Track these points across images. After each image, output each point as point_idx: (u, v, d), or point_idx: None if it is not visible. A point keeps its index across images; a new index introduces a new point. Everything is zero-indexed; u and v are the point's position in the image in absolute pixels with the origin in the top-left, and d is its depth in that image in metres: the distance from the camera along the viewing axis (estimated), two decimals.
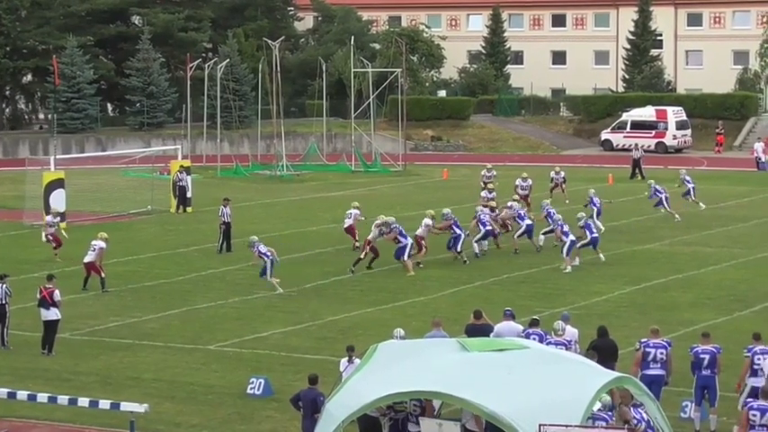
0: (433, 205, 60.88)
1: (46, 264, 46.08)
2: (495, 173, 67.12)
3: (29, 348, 35.46)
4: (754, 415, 24.05)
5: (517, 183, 62.93)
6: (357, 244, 50.72)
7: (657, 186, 59.49)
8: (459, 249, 48.33)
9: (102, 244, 44.44)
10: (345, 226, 52.07)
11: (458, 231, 48.38)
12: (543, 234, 50.66)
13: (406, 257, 46.73)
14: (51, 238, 50.93)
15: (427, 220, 48.42)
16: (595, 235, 48.00)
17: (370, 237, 47.47)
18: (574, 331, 30.07)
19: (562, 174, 66.32)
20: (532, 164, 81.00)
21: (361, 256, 47.11)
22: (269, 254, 43.44)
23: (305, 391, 25.45)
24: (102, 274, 43.78)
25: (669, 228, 56.10)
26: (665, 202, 58.88)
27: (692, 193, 62.43)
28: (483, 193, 59.29)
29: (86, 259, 44.09)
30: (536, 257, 49.06)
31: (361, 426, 24.92)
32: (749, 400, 24.72)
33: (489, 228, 49.67)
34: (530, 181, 63.01)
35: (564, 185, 65.85)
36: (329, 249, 52.12)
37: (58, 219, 53.46)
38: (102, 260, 44.17)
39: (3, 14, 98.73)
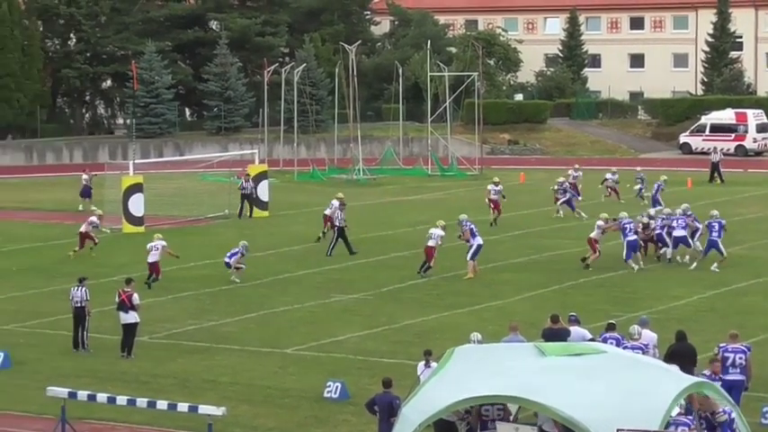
0: (511, 209, 61.02)
1: (124, 267, 46.36)
2: (581, 173, 67.90)
3: (108, 351, 35.72)
4: None
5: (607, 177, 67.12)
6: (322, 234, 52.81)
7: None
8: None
9: (164, 243, 45.45)
10: (325, 213, 54.52)
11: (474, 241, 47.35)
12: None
13: (470, 258, 46.79)
14: (83, 234, 51.93)
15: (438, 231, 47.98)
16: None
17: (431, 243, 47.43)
18: (652, 335, 29.94)
19: (616, 176, 67.11)
20: (611, 167, 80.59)
21: (431, 264, 46.99)
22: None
23: (380, 395, 25.45)
24: (159, 276, 44.27)
25: (749, 231, 55.69)
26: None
27: (641, 192, 65.57)
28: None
29: (150, 259, 44.51)
30: (614, 261, 48.76)
31: (437, 430, 24.90)
32: None
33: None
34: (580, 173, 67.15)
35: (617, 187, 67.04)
36: (405, 253, 52.07)
37: (99, 222, 54.20)
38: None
39: (83, 20, 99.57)
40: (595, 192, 67.15)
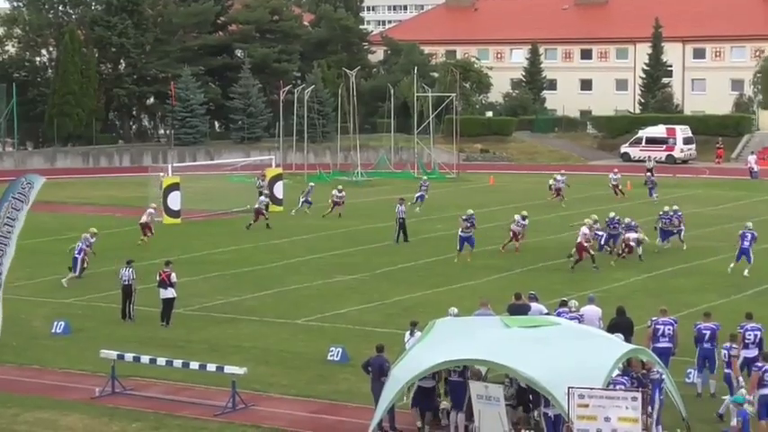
0: (483, 206, 61.04)
1: (164, 252, 46.32)
2: (565, 178, 67.74)
3: (150, 321, 35.75)
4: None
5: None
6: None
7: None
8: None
9: (91, 239, 44.42)
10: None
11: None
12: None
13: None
14: (144, 225, 52.27)
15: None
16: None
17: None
18: (597, 310, 30.02)
19: (564, 177, 67.04)
20: (566, 173, 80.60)
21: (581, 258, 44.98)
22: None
23: (374, 358, 25.48)
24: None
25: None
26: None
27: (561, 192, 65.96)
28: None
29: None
30: (568, 249, 48.76)
31: (415, 395, 24.87)
32: (758, 364, 24.46)
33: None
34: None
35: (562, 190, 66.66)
36: (396, 242, 52.12)
37: (155, 212, 54.54)
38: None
39: (131, 49, 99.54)
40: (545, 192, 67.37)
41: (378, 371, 25.00)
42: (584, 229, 45.38)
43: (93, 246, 44.26)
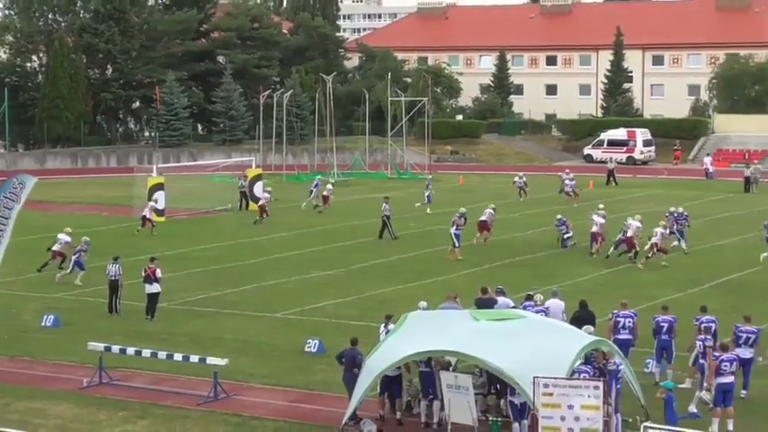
0: (453, 204, 61.04)
1: (149, 248, 46.17)
2: (525, 179, 68.11)
3: (136, 315, 35.61)
4: (725, 365, 24.00)
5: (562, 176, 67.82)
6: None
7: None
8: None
9: (68, 239, 44.01)
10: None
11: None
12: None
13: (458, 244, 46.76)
14: (145, 218, 53.82)
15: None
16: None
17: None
18: (561, 303, 30.03)
19: (524, 179, 67.47)
20: (530, 172, 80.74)
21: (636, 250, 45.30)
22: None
23: (348, 350, 25.43)
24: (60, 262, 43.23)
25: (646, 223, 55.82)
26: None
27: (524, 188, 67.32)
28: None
29: (55, 248, 43.52)
30: (534, 246, 48.89)
31: (382, 383, 24.84)
32: (716, 354, 24.55)
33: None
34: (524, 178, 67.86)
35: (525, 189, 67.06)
36: (371, 239, 52.13)
37: (156, 206, 56.09)
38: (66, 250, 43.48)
39: (118, 55, 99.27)
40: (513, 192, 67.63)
41: (351, 362, 24.98)
42: (636, 223, 46.01)
43: (71, 244, 43.94)
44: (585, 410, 20.77)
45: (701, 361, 26.11)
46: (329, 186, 63.50)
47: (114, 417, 25.50)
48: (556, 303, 29.90)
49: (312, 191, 64.93)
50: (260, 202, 58.86)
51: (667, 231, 45.81)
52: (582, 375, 22.37)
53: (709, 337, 26.51)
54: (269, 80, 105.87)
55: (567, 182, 67.60)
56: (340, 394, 25.49)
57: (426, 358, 24.24)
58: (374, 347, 24.65)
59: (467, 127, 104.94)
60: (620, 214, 52.46)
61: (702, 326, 27.05)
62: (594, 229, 46.96)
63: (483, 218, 50.30)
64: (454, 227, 47.05)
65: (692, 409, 24.66)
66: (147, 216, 53.90)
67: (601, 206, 49.97)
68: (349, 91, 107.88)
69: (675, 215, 48.72)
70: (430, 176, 66.78)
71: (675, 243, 47.79)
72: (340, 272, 43.83)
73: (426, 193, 63.56)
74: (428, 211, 61.41)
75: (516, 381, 21.97)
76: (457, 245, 46.72)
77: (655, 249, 44.39)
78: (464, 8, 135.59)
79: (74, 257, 41.90)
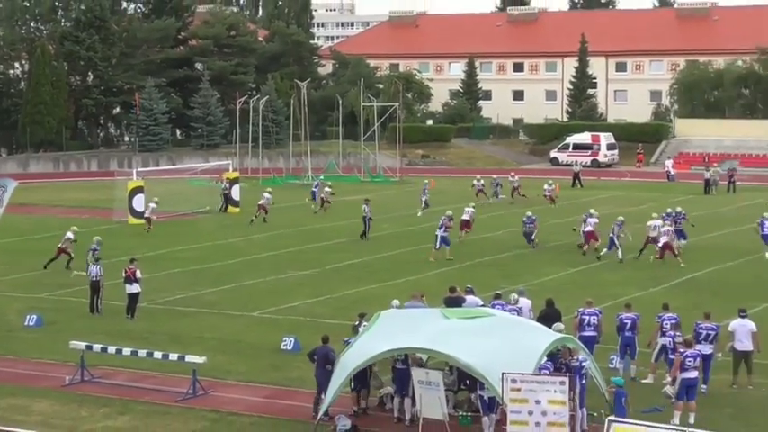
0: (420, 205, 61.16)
1: (130, 250, 46.00)
2: (555, 186, 66.99)
3: (117, 315, 35.50)
4: (690, 361, 24.10)
5: (544, 187, 65.97)
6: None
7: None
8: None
9: (71, 235, 44.72)
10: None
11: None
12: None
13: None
14: (147, 218, 55.63)
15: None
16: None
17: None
18: (528, 302, 30.10)
19: (517, 178, 67.58)
20: (499, 175, 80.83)
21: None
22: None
23: (319, 347, 25.42)
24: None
25: (601, 223, 55.97)
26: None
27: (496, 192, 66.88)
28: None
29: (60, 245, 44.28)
30: (502, 246, 48.95)
31: (355, 380, 24.79)
32: (681, 350, 24.65)
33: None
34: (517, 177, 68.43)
35: (519, 189, 67.20)
36: (344, 240, 52.14)
37: (156, 207, 57.05)
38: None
39: (98, 62, 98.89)
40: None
41: (323, 359, 24.97)
42: (657, 223, 46.18)
43: (71, 239, 44.12)
44: (552, 405, 20.84)
45: (672, 356, 26.24)
46: (327, 189, 63.50)
47: (96, 413, 25.42)
48: (523, 302, 29.96)
49: (314, 192, 66.07)
50: (260, 202, 59.02)
51: (672, 229, 45.81)
52: (543, 371, 22.45)
53: (679, 333, 26.64)
54: (245, 86, 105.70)
55: (514, 184, 68.18)
56: (314, 390, 25.45)
57: (404, 356, 24.27)
58: (348, 345, 24.64)
59: (437, 131, 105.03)
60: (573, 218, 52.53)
61: (666, 323, 27.20)
62: (588, 228, 47.26)
63: (465, 217, 51.02)
64: (443, 228, 46.78)
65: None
66: (148, 215, 55.48)
67: (592, 210, 49.86)
68: (323, 96, 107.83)
69: (674, 215, 48.57)
70: (427, 182, 66.15)
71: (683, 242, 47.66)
72: (314, 272, 43.80)
73: (423, 198, 63.07)
74: (419, 214, 61.10)
75: (485, 376, 22.02)
76: (447, 245, 46.58)
77: (676, 250, 44.64)
78: (434, 16, 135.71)
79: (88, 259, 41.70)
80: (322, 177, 69.16)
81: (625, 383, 23.81)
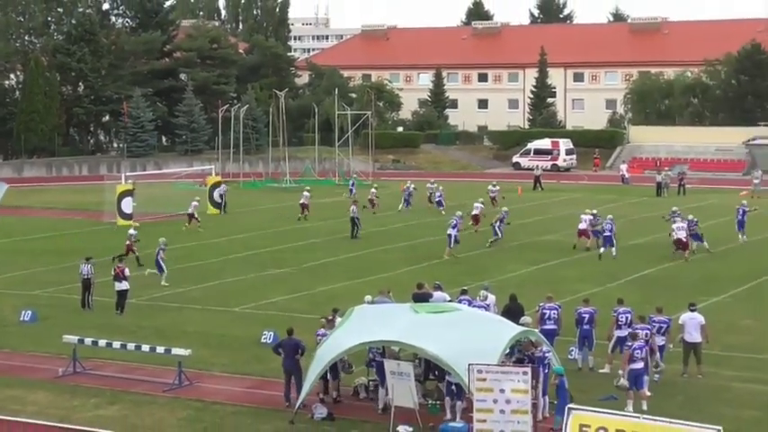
0: (394, 208, 61.21)
1: (118, 249, 45.79)
2: (498, 187, 66.11)
3: (107, 310, 35.42)
4: (637, 353, 24.21)
5: (489, 188, 64.78)
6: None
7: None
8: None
9: (133, 231, 46.10)
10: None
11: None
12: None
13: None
14: (191, 215, 56.09)
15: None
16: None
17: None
18: (492, 297, 30.14)
19: (498, 187, 66.22)
20: (464, 179, 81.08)
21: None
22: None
23: (285, 340, 25.50)
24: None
25: (560, 223, 56.22)
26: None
27: (441, 201, 62.62)
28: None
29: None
30: (468, 245, 49.00)
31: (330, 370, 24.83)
32: (628, 343, 24.75)
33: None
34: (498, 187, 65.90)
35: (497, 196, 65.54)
36: (319, 240, 52.10)
37: (198, 205, 57.40)
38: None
39: (89, 73, 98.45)
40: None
41: (293, 349, 25.02)
42: (588, 217, 47.62)
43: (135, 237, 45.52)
44: (515, 394, 20.92)
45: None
46: (305, 193, 61.48)
47: (87, 403, 25.36)
48: (489, 297, 30.00)
49: (351, 190, 67.78)
50: (300, 201, 59.76)
51: (685, 225, 45.81)
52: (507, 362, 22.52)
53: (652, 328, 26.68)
54: (227, 96, 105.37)
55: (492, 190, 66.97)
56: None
57: (382, 349, 24.30)
58: (323, 338, 24.63)
59: (407, 138, 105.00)
60: (546, 216, 52.73)
61: (621, 316, 27.33)
62: (582, 225, 47.76)
63: (475, 212, 52.89)
64: (455, 229, 46.62)
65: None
66: (191, 212, 56.02)
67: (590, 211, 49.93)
68: (300, 105, 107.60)
69: (688, 221, 47.35)
70: (411, 185, 65.80)
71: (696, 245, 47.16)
72: (292, 270, 43.76)
73: (404, 196, 63.81)
74: (399, 208, 61.96)
75: (452, 366, 22.09)
76: (451, 245, 46.49)
77: (691, 247, 45.02)
78: (404, 30, 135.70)
79: (156, 258, 41.30)
80: (354, 178, 69.21)
81: (565, 371, 23.71)
